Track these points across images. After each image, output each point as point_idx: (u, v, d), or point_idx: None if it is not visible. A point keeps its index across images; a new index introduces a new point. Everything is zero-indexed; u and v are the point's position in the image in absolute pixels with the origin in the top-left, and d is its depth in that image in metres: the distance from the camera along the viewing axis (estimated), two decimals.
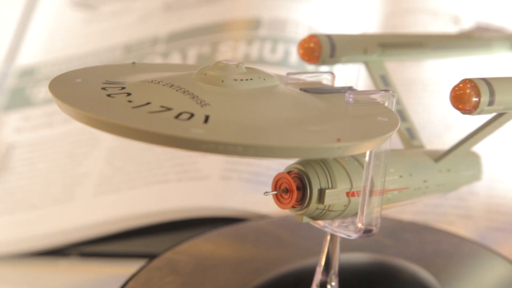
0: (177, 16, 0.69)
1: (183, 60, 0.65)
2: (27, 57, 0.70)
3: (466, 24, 0.64)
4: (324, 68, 0.54)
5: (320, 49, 0.41)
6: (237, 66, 0.34)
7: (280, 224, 0.49)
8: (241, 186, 0.55)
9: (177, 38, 0.67)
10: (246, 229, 0.49)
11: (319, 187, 0.35)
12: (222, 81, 0.33)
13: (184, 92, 0.32)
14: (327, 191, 0.35)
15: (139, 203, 0.56)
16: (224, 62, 0.34)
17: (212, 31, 0.66)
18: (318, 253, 0.39)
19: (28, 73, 0.69)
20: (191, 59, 0.65)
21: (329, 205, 0.35)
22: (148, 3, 0.71)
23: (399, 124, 0.34)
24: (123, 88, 0.33)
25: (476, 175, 0.42)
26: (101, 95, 0.33)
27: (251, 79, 0.34)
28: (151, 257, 0.46)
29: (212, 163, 0.56)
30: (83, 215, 0.56)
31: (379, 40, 0.44)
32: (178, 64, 0.40)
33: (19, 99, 0.67)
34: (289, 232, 0.48)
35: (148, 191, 0.56)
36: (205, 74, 0.34)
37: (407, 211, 0.53)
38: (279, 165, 0.51)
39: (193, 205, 0.54)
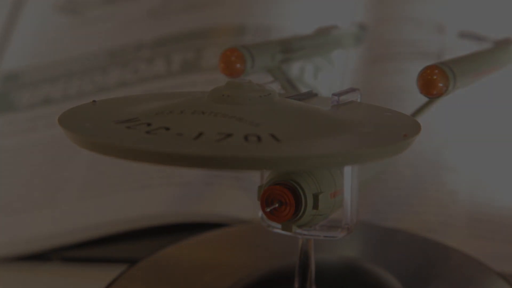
0: (162, 22, 0.69)
1: (168, 66, 0.65)
2: (11, 62, 0.70)
3: (451, 33, 0.64)
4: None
5: (243, 62, 0.40)
6: (250, 83, 0.33)
7: (256, 228, 0.49)
8: (224, 192, 0.55)
9: (162, 44, 0.67)
10: (224, 234, 0.49)
11: (311, 194, 0.34)
12: (249, 99, 0.33)
13: (224, 116, 0.31)
14: (320, 195, 0.34)
15: (122, 208, 0.55)
16: (236, 81, 0.33)
17: (197, 37, 0.66)
18: (291, 256, 0.38)
19: (12, 78, 0.69)
20: (176, 65, 0.65)
21: (319, 210, 0.35)
22: (133, 9, 0.71)
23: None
24: (149, 124, 0.31)
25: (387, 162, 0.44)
26: (139, 134, 0.31)
27: (269, 94, 0.33)
28: (133, 262, 0.46)
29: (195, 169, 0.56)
30: (65, 220, 0.56)
31: (280, 46, 0.44)
32: (142, 95, 0.38)
33: (3, 104, 0.67)
34: (264, 236, 0.48)
35: (131, 196, 0.56)
36: (228, 96, 0.33)
37: (389, 218, 0.53)
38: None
39: (176, 210, 0.54)
